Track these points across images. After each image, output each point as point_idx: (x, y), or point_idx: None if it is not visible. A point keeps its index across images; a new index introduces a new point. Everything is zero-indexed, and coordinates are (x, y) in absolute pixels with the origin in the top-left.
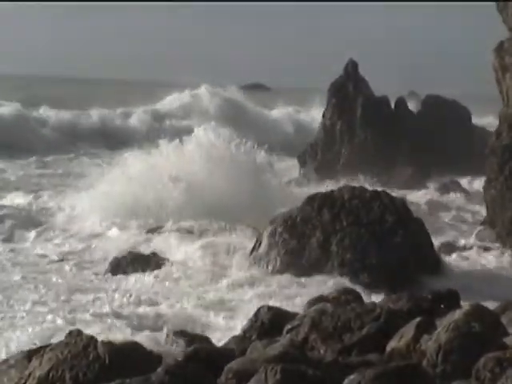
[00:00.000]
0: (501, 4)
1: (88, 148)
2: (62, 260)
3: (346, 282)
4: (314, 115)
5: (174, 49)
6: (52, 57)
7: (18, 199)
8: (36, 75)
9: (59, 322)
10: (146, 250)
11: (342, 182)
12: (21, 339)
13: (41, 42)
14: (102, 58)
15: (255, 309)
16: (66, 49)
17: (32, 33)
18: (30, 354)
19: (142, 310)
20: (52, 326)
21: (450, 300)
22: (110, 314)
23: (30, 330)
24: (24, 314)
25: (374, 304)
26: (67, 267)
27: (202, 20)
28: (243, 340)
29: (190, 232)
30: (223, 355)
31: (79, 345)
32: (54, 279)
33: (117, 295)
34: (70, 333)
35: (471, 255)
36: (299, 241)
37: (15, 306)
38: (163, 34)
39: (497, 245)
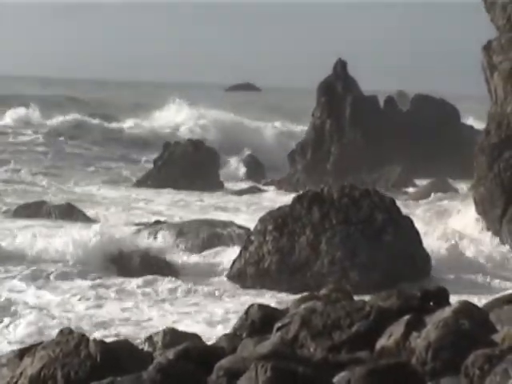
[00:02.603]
0: (488, 3)
1: None
2: None
3: None
4: None
5: (161, 48)
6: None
7: None
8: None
9: None
10: None
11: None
12: None
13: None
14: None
15: None
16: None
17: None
18: (21, 353)
19: None
20: None
21: (439, 297)
22: None
23: None
24: None
25: (363, 302)
26: None
27: (191, 19)
28: (234, 338)
29: None
30: (214, 353)
31: (71, 343)
32: None
33: None
34: (62, 331)
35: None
36: (289, 239)
37: None
38: (149, 33)
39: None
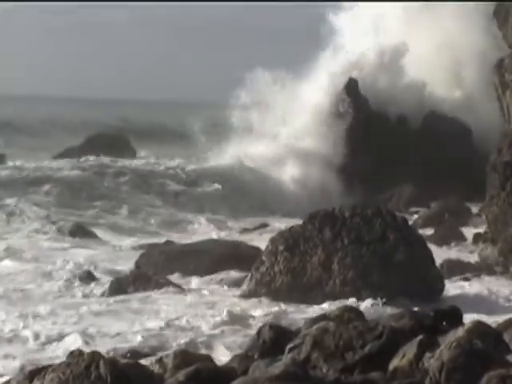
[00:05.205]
0: (500, 20)
1: None
2: None
3: None
4: None
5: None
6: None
7: None
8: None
9: None
10: None
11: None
12: None
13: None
14: None
15: None
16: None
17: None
18: (31, 375)
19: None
20: None
21: (453, 317)
22: None
23: None
24: None
25: (376, 322)
26: None
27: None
28: (245, 359)
29: None
30: (225, 374)
31: (81, 365)
32: None
33: None
34: (72, 353)
35: (473, 273)
36: (301, 259)
37: None
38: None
39: (499, 262)
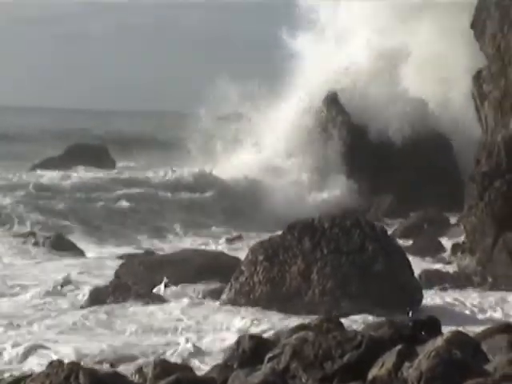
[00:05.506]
0: (478, 32)
1: None
2: None
3: None
4: None
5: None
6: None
7: None
8: None
9: None
10: None
11: None
12: None
13: None
14: None
15: None
16: None
17: None
18: None
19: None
20: None
21: (431, 327)
22: None
23: None
24: None
25: (355, 332)
26: None
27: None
28: (225, 369)
29: None
30: None
31: (60, 375)
32: None
33: None
34: (51, 363)
35: (452, 283)
36: (280, 269)
37: None
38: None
39: (477, 272)
